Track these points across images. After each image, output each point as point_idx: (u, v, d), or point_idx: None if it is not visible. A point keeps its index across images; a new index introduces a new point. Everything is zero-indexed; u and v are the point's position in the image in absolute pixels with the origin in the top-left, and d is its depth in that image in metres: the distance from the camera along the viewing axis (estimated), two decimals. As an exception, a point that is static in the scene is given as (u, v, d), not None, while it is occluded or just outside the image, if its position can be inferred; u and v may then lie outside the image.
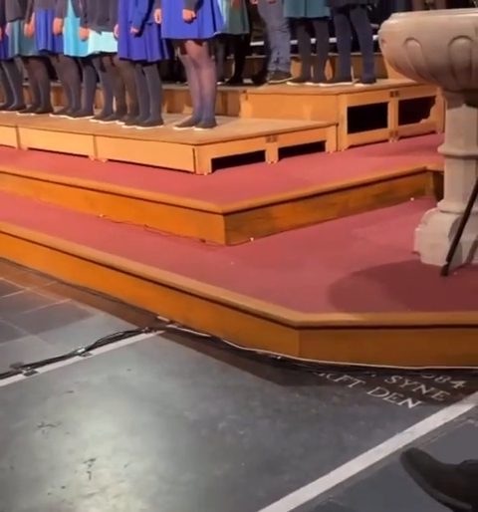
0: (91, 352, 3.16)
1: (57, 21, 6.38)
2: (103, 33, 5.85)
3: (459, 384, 2.66)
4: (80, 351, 3.16)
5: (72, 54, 6.37)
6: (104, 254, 3.85)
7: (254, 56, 7.70)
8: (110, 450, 2.41)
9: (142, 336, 3.31)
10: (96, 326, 3.46)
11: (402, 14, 3.34)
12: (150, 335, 3.31)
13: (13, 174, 5.57)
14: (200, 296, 3.24)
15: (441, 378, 2.70)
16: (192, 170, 4.83)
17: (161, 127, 5.59)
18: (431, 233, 3.36)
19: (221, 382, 2.82)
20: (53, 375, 3.00)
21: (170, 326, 3.35)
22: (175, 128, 5.37)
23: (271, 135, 5.05)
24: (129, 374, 2.96)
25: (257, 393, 2.71)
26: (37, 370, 3.03)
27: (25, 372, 3.01)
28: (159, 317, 3.43)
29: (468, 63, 2.97)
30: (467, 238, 3.26)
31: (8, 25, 7.08)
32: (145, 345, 3.23)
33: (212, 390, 2.76)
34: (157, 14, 5.29)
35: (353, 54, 5.95)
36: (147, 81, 5.62)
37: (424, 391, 2.63)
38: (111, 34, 5.71)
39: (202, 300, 3.23)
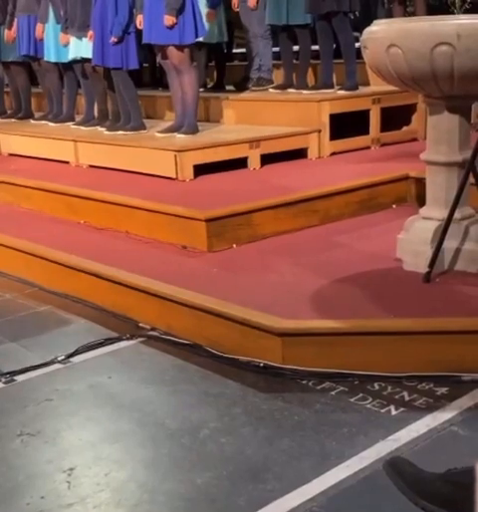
0: (71, 359, 3.12)
1: (39, 26, 6.35)
2: (83, 39, 5.82)
3: (442, 390, 2.65)
4: (60, 358, 3.12)
5: (53, 60, 6.34)
6: (84, 261, 3.81)
7: (236, 63, 7.72)
8: (89, 459, 2.37)
9: (123, 343, 3.27)
10: (76, 333, 3.42)
11: (384, 21, 3.35)
12: (131, 342, 3.27)
13: (-8, 180, 5.51)
14: (182, 302, 3.21)
15: (424, 384, 2.70)
16: (174, 177, 4.82)
17: (143, 132, 5.56)
18: (413, 240, 3.36)
19: (203, 389, 2.80)
20: (32, 382, 2.95)
21: (152, 333, 3.31)
22: (157, 135, 5.35)
23: (253, 142, 5.05)
24: (110, 381, 2.93)
25: (239, 401, 2.68)
26: (16, 377, 2.98)
27: (4, 379, 2.96)
28: (141, 324, 3.40)
29: (450, 70, 2.97)
30: (449, 245, 3.27)
31: (-12, 30, 7.04)
32: (126, 352, 3.20)
33: (194, 398, 2.74)
34: (139, 20, 5.28)
35: (335, 61, 5.98)
36: (121, 87, 5.57)
37: (407, 398, 2.62)
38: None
39: (184, 307, 3.20)
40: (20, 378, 2.98)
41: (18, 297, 3.94)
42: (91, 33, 5.55)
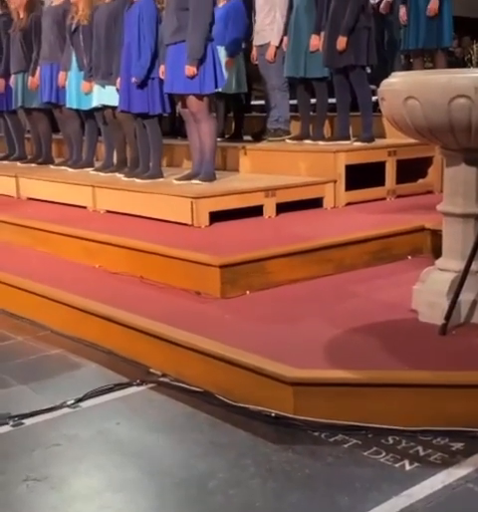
0: (80, 404, 3.08)
1: (62, 74, 6.47)
2: (106, 87, 5.92)
3: (458, 445, 2.58)
4: (69, 402, 3.08)
5: (74, 107, 6.44)
6: (97, 304, 3.80)
7: (254, 114, 7.80)
8: (95, 508, 2.32)
9: (133, 389, 3.23)
10: (86, 377, 3.38)
11: (402, 73, 3.38)
12: (141, 388, 3.23)
13: (9, 223, 5.55)
14: (193, 349, 3.18)
15: (439, 439, 2.63)
16: (190, 223, 4.83)
17: (161, 180, 5.60)
18: (429, 291, 3.32)
19: (212, 438, 2.74)
20: (40, 426, 2.91)
21: (162, 379, 3.27)
22: (174, 182, 5.38)
23: (269, 191, 5.07)
24: (119, 428, 2.88)
25: (249, 452, 2.62)
26: (24, 421, 2.94)
27: (12, 423, 2.92)
28: (152, 370, 3.36)
29: (467, 122, 2.98)
30: (466, 297, 3.22)
31: (12, 77, 7.17)
32: (136, 398, 3.15)
33: (202, 447, 2.68)
34: (162, 70, 5.37)
35: (351, 114, 6.02)
36: (148, 134, 5.66)
37: (422, 453, 2.55)
38: (113, 88, 5.79)
39: (195, 353, 3.17)
40: (28, 421, 2.94)
41: (30, 340, 3.92)
42: (119, 80, 5.64)
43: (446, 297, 3.20)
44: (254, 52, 6.65)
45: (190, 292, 3.95)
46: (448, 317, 3.14)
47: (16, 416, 2.96)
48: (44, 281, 4.33)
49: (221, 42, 6.35)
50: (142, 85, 5.49)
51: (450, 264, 3.31)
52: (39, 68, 6.76)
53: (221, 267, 3.85)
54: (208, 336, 3.25)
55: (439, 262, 3.39)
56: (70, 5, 6.35)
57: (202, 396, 3.06)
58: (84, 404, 3.08)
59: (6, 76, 7.26)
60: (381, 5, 6.70)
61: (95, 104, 6.12)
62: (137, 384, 3.25)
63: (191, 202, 4.83)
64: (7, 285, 4.46)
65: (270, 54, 6.42)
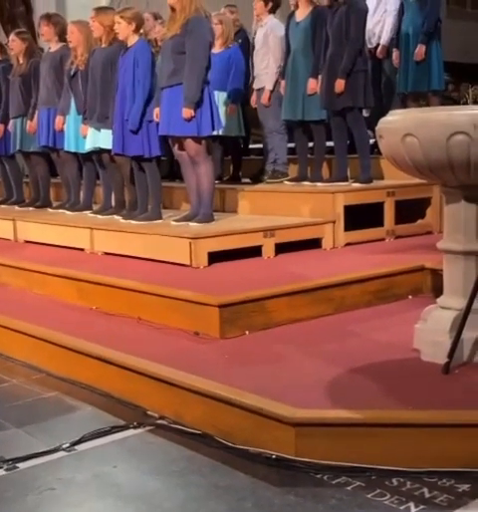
0: (76, 447, 3.00)
1: (59, 118, 6.50)
2: (101, 130, 5.94)
3: (464, 487, 2.51)
4: (64, 446, 3.00)
5: (72, 150, 6.46)
6: (92, 345, 3.74)
7: (252, 157, 7.84)
8: (90, 554, 2.24)
9: (130, 431, 3.15)
10: (82, 420, 3.31)
11: (400, 111, 3.39)
12: (139, 431, 3.15)
13: (5, 265, 5.52)
14: (191, 390, 3.11)
15: (445, 480, 2.56)
16: (189, 264, 4.80)
17: (159, 221, 5.59)
18: (431, 330, 3.28)
19: (212, 481, 2.66)
20: (35, 470, 2.83)
21: (160, 421, 3.20)
22: (172, 223, 5.37)
23: (268, 231, 5.06)
24: (115, 471, 2.80)
25: (249, 495, 2.55)
26: (18, 465, 2.86)
27: (6, 466, 2.83)
28: (149, 412, 3.29)
29: (467, 159, 2.97)
30: (468, 335, 3.18)
31: (11, 122, 7.22)
32: (133, 441, 3.08)
33: (202, 491, 2.60)
34: (156, 112, 5.40)
35: (349, 156, 6.05)
36: (147, 177, 5.67)
37: (427, 495, 2.48)
38: (109, 131, 5.80)
39: (194, 394, 3.10)
40: (23, 465, 2.86)
41: (25, 382, 3.85)
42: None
43: (449, 335, 3.16)
44: (254, 96, 6.71)
45: (189, 332, 3.89)
46: (451, 355, 3.09)
47: (10, 460, 2.88)
48: (39, 323, 4.27)
49: (223, 88, 6.43)
50: (137, 128, 5.51)
51: (452, 302, 3.27)
52: (37, 112, 6.80)
53: (220, 307, 3.81)
54: (207, 376, 3.19)
55: (441, 300, 3.35)
56: (68, 50, 6.42)
57: (201, 439, 2.99)
58: (80, 448, 3.00)
59: (5, 121, 7.30)
60: (378, 49, 6.80)
61: (89, 147, 6.13)
62: (135, 427, 3.17)
63: (190, 243, 4.81)
64: (2, 327, 4.40)
65: (264, 98, 6.49)
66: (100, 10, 6.04)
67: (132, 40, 5.57)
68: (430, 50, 6.29)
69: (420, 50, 6.24)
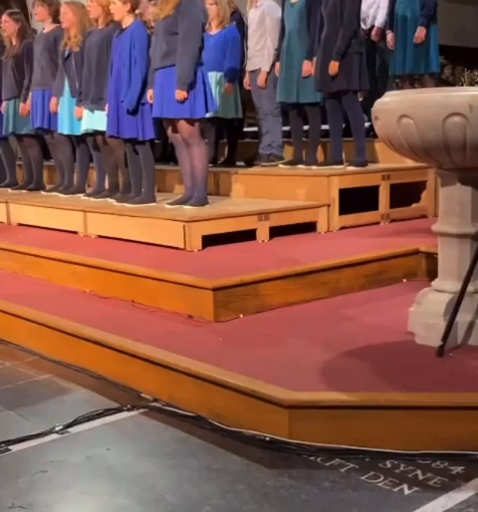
0: (69, 430, 2.99)
1: (53, 100, 6.44)
2: (95, 112, 5.89)
3: (457, 469, 2.51)
4: (57, 428, 2.99)
5: (66, 132, 6.41)
6: (85, 328, 3.72)
7: (247, 140, 7.80)
8: (83, 535, 2.23)
9: (124, 414, 3.14)
10: (75, 403, 3.30)
11: (396, 92, 3.36)
12: (132, 413, 3.14)
13: (-1, 249, 5.49)
14: (185, 372, 3.10)
15: (438, 463, 2.56)
16: (183, 247, 4.78)
17: (153, 204, 5.56)
18: (426, 313, 3.27)
19: (205, 464, 2.66)
20: (27, 453, 2.82)
21: (154, 404, 3.19)
22: (166, 206, 5.34)
23: (262, 214, 5.03)
24: (108, 453, 2.79)
25: (243, 477, 2.54)
26: (11, 447, 2.85)
27: (-2, 449, 2.84)
28: (143, 394, 3.28)
29: (462, 141, 2.95)
30: (462, 318, 3.17)
31: (4, 103, 7.15)
32: (127, 424, 3.07)
33: (195, 473, 2.60)
34: (150, 94, 5.35)
35: (344, 139, 6.02)
36: (141, 159, 5.63)
37: (421, 477, 2.48)
38: (103, 113, 5.76)
39: (188, 377, 3.09)
40: (15, 447, 2.85)
41: (18, 365, 3.83)
42: (107, 106, 5.62)
43: (443, 318, 3.15)
44: (247, 78, 6.66)
45: (183, 315, 3.88)
46: (445, 338, 3.09)
47: (2, 442, 2.87)
48: (33, 306, 4.25)
49: (219, 68, 6.38)
50: (133, 110, 5.47)
51: (446, 285, 3.26)
52: (31, 94, 6.75)
53: (214, 290, 3.79)
54: (201, 359, 3.18)
55: (435, 283, 3.34)
56: (61, 31, 6.35)
57: (195, 421, 2.98)
58: (73, 430, 2.99)
59: (-2, 102, 7.25)
60: (373, 31, 6.75)
61: (84, 128, 6.08)
62: (128, 410, 3.17)
63: (184, 226, 4.78)
64: (-4, 310, 4.38)
65: (261, 80, 6.44)
66: (98, -10, 5.96)
67: (128, 21, 5.51)
68: (428, 32, 6.28)
69: (420, 32, 6.21)
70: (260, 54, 6.44)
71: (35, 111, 6.65)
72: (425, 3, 6.24)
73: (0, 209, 6.58)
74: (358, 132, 5.84)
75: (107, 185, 6.28)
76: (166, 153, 7.22)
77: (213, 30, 6.41)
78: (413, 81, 6.57)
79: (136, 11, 5.59)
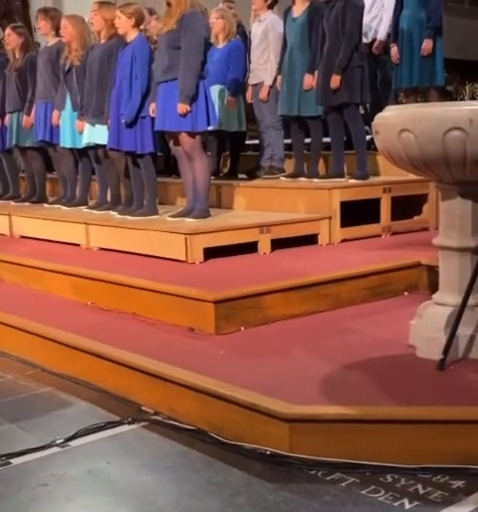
0: (70, 443, 2.99)
1: (55, 113, 6.48)
2: (96, 125, 5.92)
3: (458, 483, 2.50)
4: (58, 441, 2.99)
5: (68, 145, 6.44)
6: (88, 341, 3.73)
7: (249, 153, 7.83)
8: (83, 550, 2.23)
9: (125, 427, 3.14)
10: (76, 416, 3.30)
11: (396, 106, 3.37)
12: (133, 426, 3.14)
13: (1, 261, 5.50)
14: (187, 385, 3.10)
15: (439, 477, 2.55)
16: (184, 259, 4.79)
17: (154, 217, 5.58)
18: (427, 326, 3.27)
19: (206, 477, 2.66)
20: (28, 466, 2.82)
21: (154, 417, 3.19)
22: (168, 218, 5.36)
23: (264, 227, 5.05)
24: (109, 467, 2.79)
25: (243, 491, 2.54)
26: (12, 460, 2.85)
27: (-1, 462, 2.84)
28: (143, 408, 3.28)
29: (462, 155, 2.96)
30: (463, 332, 3.17)
31: (7, 116, 7.19)
32: (127, 437, 3.07)
33: (196, 487, 2.60)
34: (152, 108, 5.38)
35: (346, 152, 6.04)
36: (143, 172, 5.65)
37: (421, 491, 2.47)
38: (104, 127, 5.79)
39: (188, 390, 3.09)
40: (16, 461, 2.85)
41: (19, 378, 3.84)
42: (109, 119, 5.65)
43: (444, 332, 3.15)
44: (249, 91, 6.69)
45: (184, 328, 3.88)
46: (446, 352, 3.08)
47: (3, 456, 2.87)
48: (35, 318, 4.26)
49: (222, 81, 6.41)
50: (132, 123, 5.49)
51: (447, 298, 3.26)
52: (34, 107, 6.78)
53: (215, 302, 3.80)
54: (202, 372, 3.18)
55: (436, 296, 3.34)
56: (63, 45, 6.39)
57: (195, 435, 2.98)
58: (73, 443, 2.99)
59: (2, 115, 7.27)
60: (374, 45, 6.78)
61: (85, 142, 6.11)
62: (129, 423, 3.17)
63: (185, 238, 4.79)
64: (-2, 322, 4.39)
65: (263, 93, 6.47)
66: (102, 4, 5.99)
67: (132, 35, 5.55)
68: (434, 45, 6.25)
69: (428, 45, 6.20)
70: (263, 67, 6.48)
71: (38, 123, 6.68)
72: (431, 16, 6.24)
73: (3, 222, 6.60)
74: (360, 146, 5.86)
75: (109, 198, 6.30)
76: (169, 166, 7.25)
77: (220, 44, 6.47)
78: (416, 94, 6.58)
79: (141, 26, 5.64)
